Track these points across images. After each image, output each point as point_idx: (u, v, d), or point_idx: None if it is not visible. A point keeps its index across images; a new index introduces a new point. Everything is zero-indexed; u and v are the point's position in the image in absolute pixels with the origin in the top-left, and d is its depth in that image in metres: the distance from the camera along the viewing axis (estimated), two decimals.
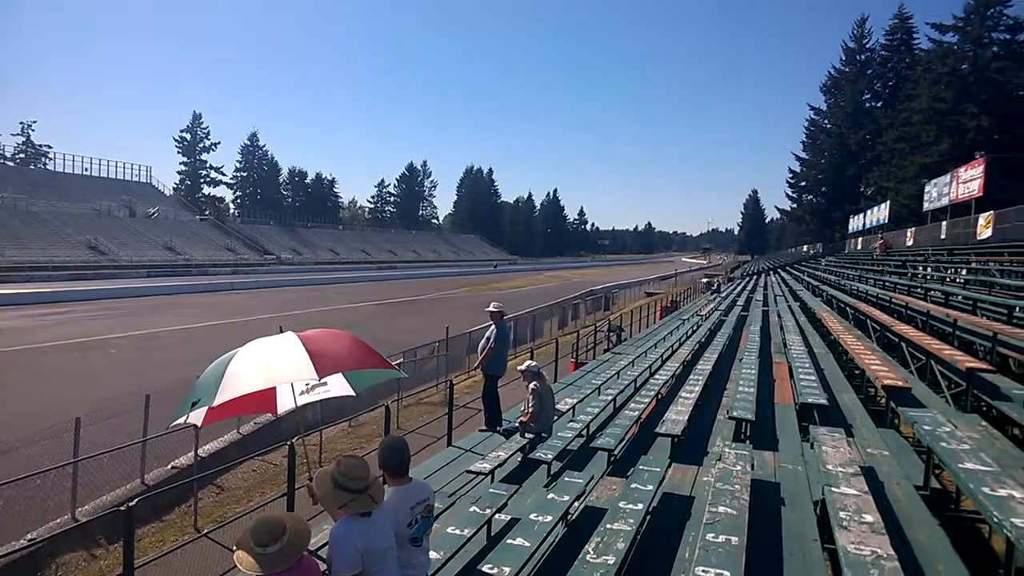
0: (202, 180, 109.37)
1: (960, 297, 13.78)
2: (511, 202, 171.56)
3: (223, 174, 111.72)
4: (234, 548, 2.64)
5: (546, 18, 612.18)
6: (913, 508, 5.13)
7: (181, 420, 3.69)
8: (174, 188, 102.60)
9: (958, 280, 18.48)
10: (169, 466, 11.32)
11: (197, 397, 3.55)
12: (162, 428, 9.84)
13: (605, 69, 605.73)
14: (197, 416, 3.69)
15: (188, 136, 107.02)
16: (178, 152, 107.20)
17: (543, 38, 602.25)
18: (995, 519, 3.77)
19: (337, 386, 4.16)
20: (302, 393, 4.18)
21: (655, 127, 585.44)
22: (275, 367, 3.49)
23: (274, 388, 4.03)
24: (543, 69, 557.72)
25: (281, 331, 3.71)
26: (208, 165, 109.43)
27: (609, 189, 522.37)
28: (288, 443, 7.16)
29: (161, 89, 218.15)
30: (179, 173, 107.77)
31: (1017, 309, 11.12)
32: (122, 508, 5.15)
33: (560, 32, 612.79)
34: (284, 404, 4.12)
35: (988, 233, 22.87)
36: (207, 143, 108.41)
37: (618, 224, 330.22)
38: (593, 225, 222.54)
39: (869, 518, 4.05)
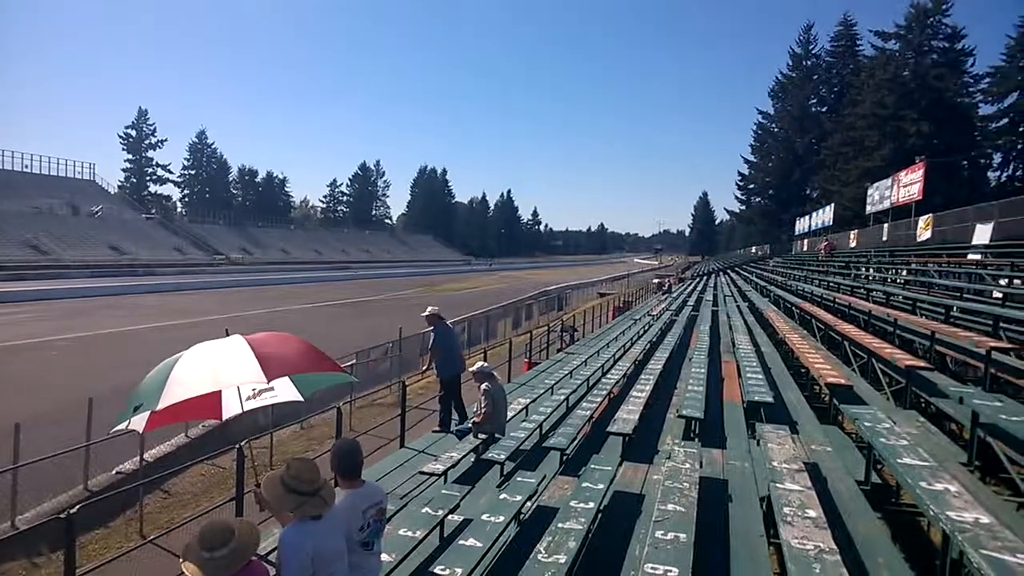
0: (148, 178, 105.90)
1: (900, 297, 14.23)
2: (465, 202, 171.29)
3: (170, 172, 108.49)
4: (181, 559, 2.58)
5: (497, 21, 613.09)
6: (855, 503, 5.28)
7: (123, 426, 3.56)
8: (119, 186, 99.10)
9: (899, 281, 19.08)
10: (114, 471, 10.96)
11: (139, 401, 3.43)
12: (107, 433, 9.55)
13: (558, 72, 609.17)
14: (139, 422, 3.54)
15: (133, 133, 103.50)
16: (123, 149, 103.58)
17: (497, 40, 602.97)
18: (932, 512, 3.91)
19: (285, 391, 4.08)
20: (248, 398, 4.08)
21: (608, 129, 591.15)
22: (222, 370, 3.40)
23: (219, 393, 3.93)
24: (497, 71, 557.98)
25: (228, 334, 3.63)
26: (154, 163, 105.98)
27: (562, 190, 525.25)
28: (237, 446, 7.02)
29: (105, 84, 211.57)
30: (124, 171, 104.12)
31: (954, 309, 11.53)
32: (62, 516, 4.99)
33: (513, 34, 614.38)
34: (230, 409, 4.02)
35: (927, 235, 23.71)
36: (153, 140, 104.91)
37: (571, 225, 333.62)
38: (547, 226, 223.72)
39: (812, 513, 4.15)
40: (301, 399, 4.12)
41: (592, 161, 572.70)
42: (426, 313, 9.75)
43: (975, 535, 3.49)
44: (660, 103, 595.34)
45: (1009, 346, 8.32)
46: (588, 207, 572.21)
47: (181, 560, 2.55)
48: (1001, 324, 9.74)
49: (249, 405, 4.10)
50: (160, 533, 8.37)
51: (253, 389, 4.00)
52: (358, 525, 3.31)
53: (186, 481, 11.71)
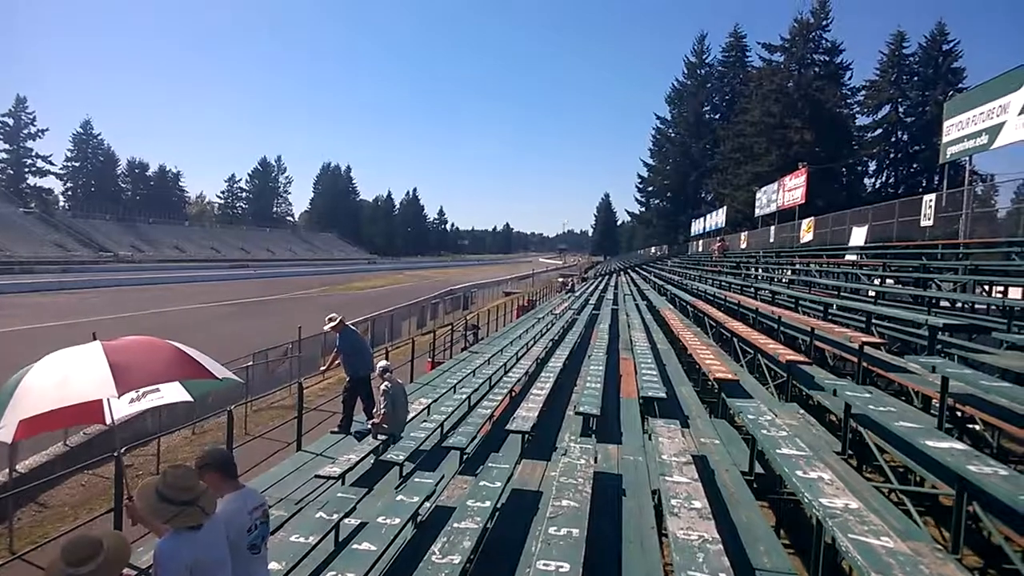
0: (27, 170, 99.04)
1: (785, 296, 14.99)
2: (370, 200, 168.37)
3: (51, 164, 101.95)
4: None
5: (403, 15, 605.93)
6: (739, 492, 5.54)
7: None
8: None
9: (783, 280, 20.08)
10: None
11: None
12: None
13: (463, 69, 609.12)
14: (5, 432, 3.30)
15: (10, 121, 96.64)
16: None
17: (401, 36, 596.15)
18: (806, 499, 4.13)
19: (172, 392, 3.89)
20: (132, 401, 3.85)
21: (514, 130, 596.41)
22: (72, 383, 3.14)
23: (98, 398, 3.67)
24: (401, 66, 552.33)
25: (95, 338, 3.38)
26: (34, 154, 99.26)
27: (468, 190, 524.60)
28: (114, 454, 6.65)
29: None
30: (0, 162, 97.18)
31: (833, 306, 12.26)
32: None
33: (418, 31, 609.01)
34: (115, 412, 3.75)
35: (810, 237, 25.11)
36: (33, 129, 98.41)
37: (477, 224, 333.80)
38: (453, 225, 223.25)
39: (698, 504, 4.32)
40: (190, 399, 3.96)
41: (498, 162, 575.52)
42: (328, 327, 9.53)
43: (844, 520, 3.71)
44: (565, 105, 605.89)
45: (879, 341, 8.93)
46: (494, 207, 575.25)
47: None
48: (874, 320, 10.44)
49: (135, 408, 3.89)
50: (31, 548, 7.82)
51: (136, 391, 3.76)
52: (245, 527, 3.14)
53: (64, 492, 11.09)
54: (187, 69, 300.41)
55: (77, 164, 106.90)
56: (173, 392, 3.89)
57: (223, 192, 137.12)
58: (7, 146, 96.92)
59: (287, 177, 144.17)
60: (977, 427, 6.68)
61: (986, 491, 3.93)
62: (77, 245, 75.75)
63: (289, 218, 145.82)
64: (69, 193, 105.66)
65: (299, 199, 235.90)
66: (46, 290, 45.38)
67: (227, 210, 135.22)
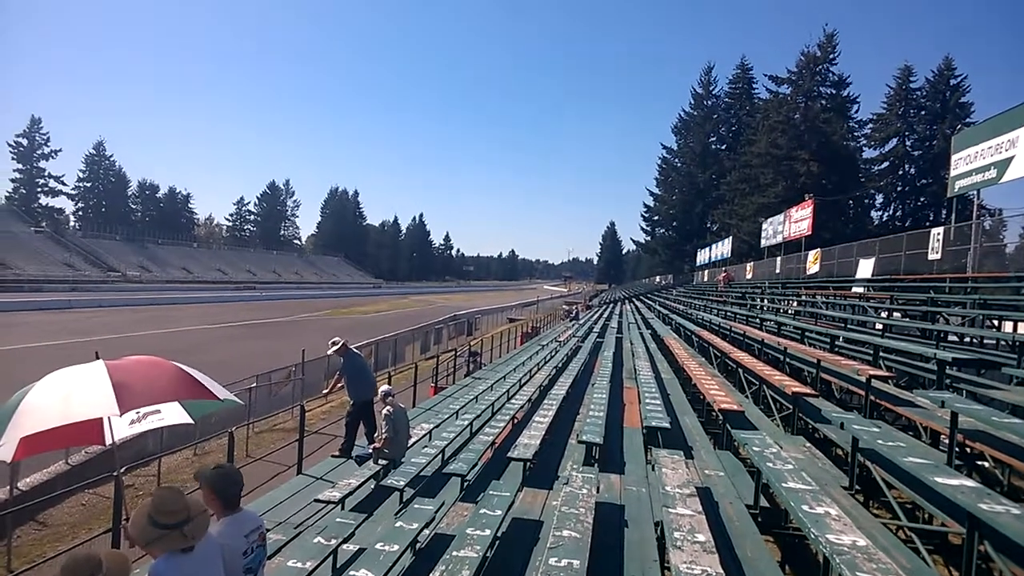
0: (39, 190, 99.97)
1: (791, 327, 14.88)
2: (376, 225, 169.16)
3: (64, 184, 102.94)
4: None
5: (403, 48, 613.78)
6: (744, 526, 5.44)
7: None
8: (6, 197, 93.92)
9: (789, 311, 19.99)
10: None
11: None
12: None
13: (472, 98, 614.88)
14: (5, 451, 3.27)
15: (25, 141, 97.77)
16: (12, 159, 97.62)
17: (411, 64, 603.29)
18: (813, 535, 4.05)
19: (172, 414, 3.85)
20: (132, 423, 3.82)
21: (521, 157, 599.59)
22: (74, 401, 3.15)
23: (101, 416, 3.65)
24: (411, 94, 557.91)
25: (97, 358, 3.37)
26: (47, 173, 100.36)
27: (474, 216, 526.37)
28: (113, 473, 6.59)
29: None
30: (12, 181, 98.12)
31: (840, 338, 12.16)
32: None
33: (425, 56, 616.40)
34: (114, 434, 3.72)
35: (816, 268, 25.08)
36: (46, 150, 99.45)
37: (483, 251, 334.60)
38: (458, 251, 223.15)
39: (702, 537, 4.23)
40: (190, 422, 3.91)
41: (505, 188, 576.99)
42: (332, 350, 9.54)
43: (852, 558, 3.62)
44: (573, 134, 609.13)
45: (887, 374, 8.83)
46: (500, 234, 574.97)
47: None
48: (881, 353, 10.34)
49: (135, 429, 3.85)
50: (28, 567, 7.73)
51: (138, 412, 3.74)
52: (241, 549, 3.11)
53: (64, 511, 11.04)
54: (200, 93, 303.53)
55: (89, 184, 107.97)
56: (174, 414, 3.86)
57: (232, 215, 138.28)
58: (21, 166, 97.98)
59: (295, 201, 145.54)
60: (987, 464, 6.57)
61: (998, 530, 3.84)
62: (86, 264, 76.23)
63: (296, 241, 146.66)
64: (80, 213, 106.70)
65: (306, 223, 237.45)
66: (55, 308, 45.53)
67: (235, 232, 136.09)
